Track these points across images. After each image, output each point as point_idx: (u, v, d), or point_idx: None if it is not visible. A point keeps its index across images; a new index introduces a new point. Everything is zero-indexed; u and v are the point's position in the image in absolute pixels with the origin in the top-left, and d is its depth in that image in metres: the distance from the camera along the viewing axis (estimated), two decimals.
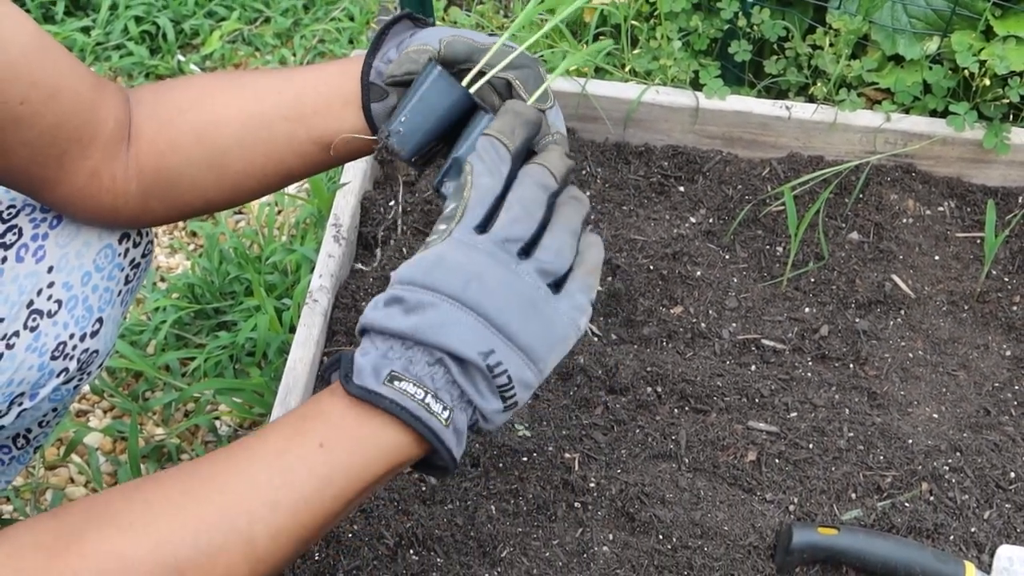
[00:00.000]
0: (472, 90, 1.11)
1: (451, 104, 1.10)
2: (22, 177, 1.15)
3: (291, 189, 2.33)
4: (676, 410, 1.60)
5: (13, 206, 1.25)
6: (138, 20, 2.70)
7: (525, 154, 1.08)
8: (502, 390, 0.99)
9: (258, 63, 2.69)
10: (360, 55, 1.19)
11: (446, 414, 0.97)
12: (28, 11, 2.68)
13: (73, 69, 1.13)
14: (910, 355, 1.71)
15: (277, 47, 2.74)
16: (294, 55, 2.70)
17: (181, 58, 2.66)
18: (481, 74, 1.11)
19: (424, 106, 1.09)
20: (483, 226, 1.01)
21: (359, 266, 1.77)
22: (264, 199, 2.28)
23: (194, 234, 2.27)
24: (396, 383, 0.96)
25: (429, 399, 0.96)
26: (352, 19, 2.80)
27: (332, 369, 1.02)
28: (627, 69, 2.05)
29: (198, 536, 0.92)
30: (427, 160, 1.14)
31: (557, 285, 1.02)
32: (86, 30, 2.69)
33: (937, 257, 1.85)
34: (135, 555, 0.90)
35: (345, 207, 1.74)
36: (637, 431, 1.56)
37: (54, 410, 1.39)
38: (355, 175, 1.79)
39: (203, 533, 0.92)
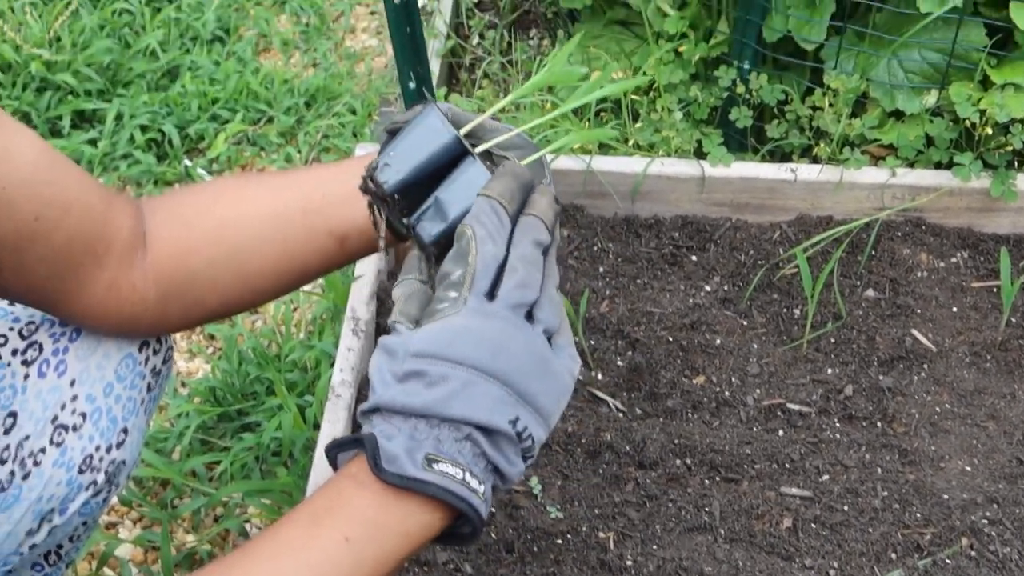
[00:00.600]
0: (476, 151, 1.08)
1: (442, 144, 1.06)
2: (40, 293, 1.16)
3: (306, 286, 2.34)
4: (707, 481, 1.59)
5: (32, 322, 1.26)
6: (143, 129, 2.73)
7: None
8: (525, 452, 0.99)
9: (264, 163, 2.72)
10: (374, 149, 1.20)
11: (483, 488, 0.97)
12: (35, 127, 2.72)
13: (83, 183, 1.15)
14: (937, 409, 1.70)
15: (282, 145, 2.77)
16: (299, 152, 2.73)
17: (188, 163, 2.69)
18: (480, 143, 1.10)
19: (414, 141, 1.06)
20: (491, 292, 0.99)
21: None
22: None
23: (212, 337, 2.27)
24: (435, 466, 0.94)
25: (468, 477, 0.95)
26: (354, 112, 2.84)
27: (339, 450, 1.00)
28: (630, 143, 2.07)
29: None
30: (410, 204, 1.08)
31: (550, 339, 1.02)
32: (93, 142, 2.73)
33: (955, 308, 1.84)
34: None
35: (361, 300, 1.74)
36: (670, 505, 1.55)
37: (84, 524, 1.38)
38: (368, 267, 1.80)
39: None
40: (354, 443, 0.99)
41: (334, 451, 1.01)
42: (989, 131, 1.90)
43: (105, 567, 1.81)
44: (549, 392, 0.99)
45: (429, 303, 1.01)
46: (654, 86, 2.15)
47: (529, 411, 0.98)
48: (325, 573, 0.94)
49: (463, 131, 1.08)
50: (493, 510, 1.53)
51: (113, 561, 1.83)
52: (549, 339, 1.01)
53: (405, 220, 1.07)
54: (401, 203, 1.07)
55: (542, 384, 0.98)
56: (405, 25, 1.45)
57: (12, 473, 1.21)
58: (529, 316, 1.00)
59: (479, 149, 1.08)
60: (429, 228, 1.04)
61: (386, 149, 1.07)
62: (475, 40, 2.76)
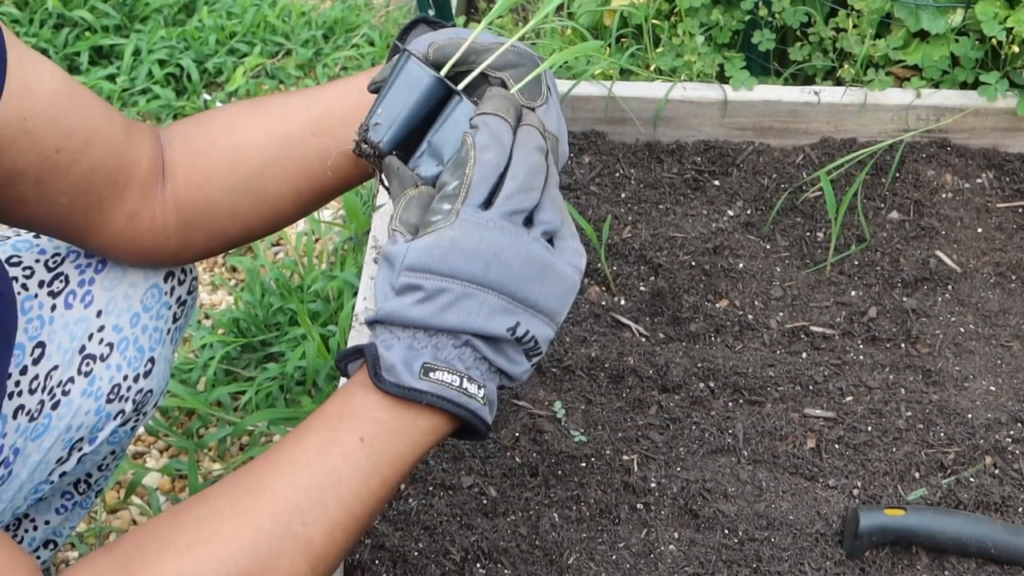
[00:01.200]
0: (461, 86, 1.06)
1: (425, 90, 1.05)
2: (63, 225, 1.17)
3: (327, 216, 2.34)
4: (731, 404, 1.59)
5: (58, 254, 1.27)
6: (162, 63, 2.73)
7: None
8: (529, 352, 1.00)
9: None
10: (377, 66, 1.18)
11: (481, 392, 0.98)
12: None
13: (105, 114, 1.15)
14: (961, 330, 1.69)
15: (301, 78, 2.76)
16: (318, 84, 2.72)
17: (207, 97, 2.69)
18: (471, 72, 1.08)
19: (398, 95, 1.05)
20: (488, 201, 0.98)
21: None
22: (300, 228, 2.30)
23: (234, 269, 2.28)
24: (432, 375, 0.95)
25: (465, 383, 0.96)
26: (372, 44, 2.82)
27: (348, 360, 1.01)
28: (652, 68, 2.05)
29: (257, 545, 0.92)
30: (409, 153, 1.07)
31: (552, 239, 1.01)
32: (111, 77, 2.72)
33: (980, 230, 1.83)
34: (199, 573, 0.91)
35: (383, 228, 1.74)
36: (693, 428, 1.56)
37: (112, 453, 1.40)
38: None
39: (261, 542, 0.92)
40: (360, 352, 0.99)
41: (344, 361, 1.01)
42: (1016, 49, 1.87)
43: (133, 496, 1.83)
44: (551, 294, 0.99)
45: (424, 206, 1.00)
46: (675, 10, 2.12)
47: (530, 314, 0.98)
48: (345, 474, 0.95)
49: (444, 70, 1.06)
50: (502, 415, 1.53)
51: (141, 490, 1.85)
52: (551, 240, 1.01)
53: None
54: (400, 155, 1.06)
55: (543, 286, 0.98)
56: None
57: (41, 403, 1.22)
58: (529, 220, 0.99)
59: (463, 84, 1.06)
60: (426, 171, 1.04)
61: (373, 108, 1.05)
62: None
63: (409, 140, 1.05)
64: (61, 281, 1.26)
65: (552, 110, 1.08)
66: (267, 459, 0.98)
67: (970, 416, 1.54)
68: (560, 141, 1.08)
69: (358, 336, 1.59)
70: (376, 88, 1.08)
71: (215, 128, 1.23)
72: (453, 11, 2.48)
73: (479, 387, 0.97)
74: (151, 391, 1.33)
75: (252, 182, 1.20)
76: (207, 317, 2.17)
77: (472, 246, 0.95)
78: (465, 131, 1.00)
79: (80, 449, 1.28)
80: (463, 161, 0.98)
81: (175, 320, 1.36)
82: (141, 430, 1.93)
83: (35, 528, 1.42)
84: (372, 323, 0.99)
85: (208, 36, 2.79)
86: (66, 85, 1.10)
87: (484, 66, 1.07)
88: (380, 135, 1.04)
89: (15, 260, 1.25)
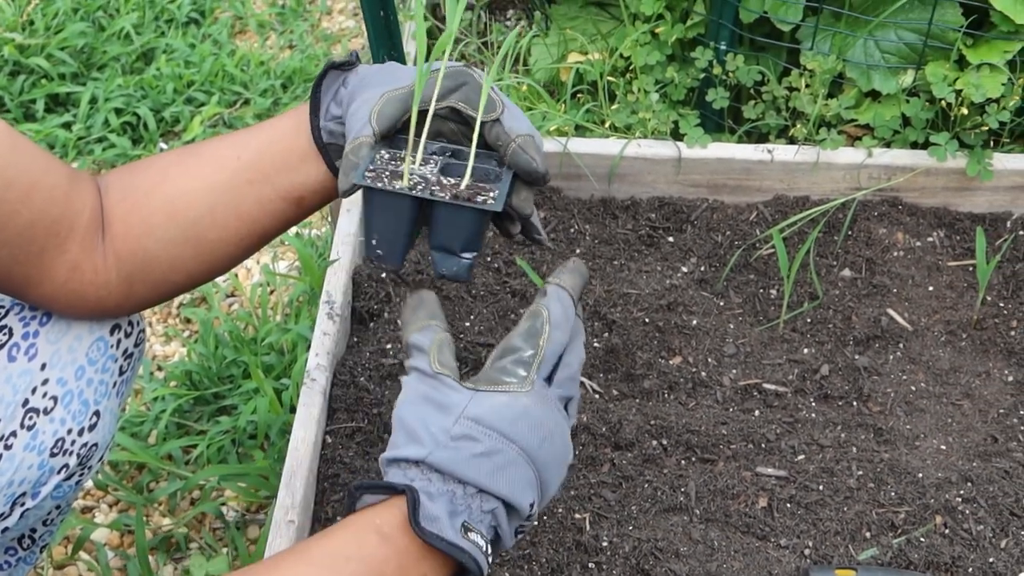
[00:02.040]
0: (422, 136, 1.10)
1: (402, 211, 1.09)
2: (4, 277, 1.15)
3: (282, 268, 2.33)
4: (683, 461, 1.59)
5: (2, 306, 1.25)
6: (118, 112, 2.71)
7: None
8: (520, 528, 1.04)
9: None
10: (303, 107, 1.20)
11: (492, 556, 1.02)
12: (8, 111, 2.70)
13: (47, 165, 1.14)
14: (913, 388, 1.71)
15: None
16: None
17: (164, 146, 2.68)
18: (423, 117, 1.11)
19: (383, 224, 1.10)
20: (549, 377, 1.05)
21: (355, 340, 1.76)
22: (255, 279, 2.28)
23: (188, 320, 2.26)
24: (470, 535, 0.98)
25: (488, 547, 1.00)
26: None
27: (365, 491, 1.02)
28: (607, 125, 2.06)
29: None
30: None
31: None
32: (67, 125, 2.71)
33: (931, 288, 1.85)
34: None
35: (337, 284, 1.73)
36: (646, 486, 1.55)
37: (57, 507, 1.37)
38: (344, 251, 1.79)
39: None
40: (386, 489, 1.00)
41: (360, 491, 1.02)
42: (965, 111, 1.90)
43: (81, 551, 1.80)
44: (558, 480, 1.05)
45: (454, 352, 1.06)
46: (631, 67, 2.14)
47: (545, 492, 1.04)
48: None
49: (405, 173, 1.09)
50: None
51: (89, 545, 1.82)
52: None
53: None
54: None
55: (558, 473, 1.04)
56: (378, 8, 1.44)
57: None
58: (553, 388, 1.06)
59: (420, 147, 1.10)
60: (449, 264, 1.09)
61: (367, 239, 1.10)
62: None
63: (412, 245, 1.12)
64: (5, 334, 1.24)
65: (515, 112, 1.13)
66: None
67: (921, 475, 1.55)
68: (535, 136, 1.12)
69: (309, 392, 1.58)
70: (347, 193, 1.11)
71: (150, 178, 1.22)
72: (404, 45, 2.49)
73: (494, 554, 1.03)
74: (96, 444, 1.31)
75: (191, 231, 1.20)
76: (160, 369, 2.15)
77: (539, 418, 1.00)
78: (540, 300, 1.07)
79: (23, 504, 1.26)
80: (537, 332, 1.05)
81: (121, 373, 1.35)
82: (89, 483, 1.91)
83: None
84: (399, 461, 1.00)
85: (166, 85, 2.78)
86: (7, 137, 1.09)
87: (431, 113, 1.11)
88: (390, 259, 1.10)
89: None
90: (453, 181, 1.10)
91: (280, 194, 1.21)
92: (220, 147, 1.23)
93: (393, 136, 1.14)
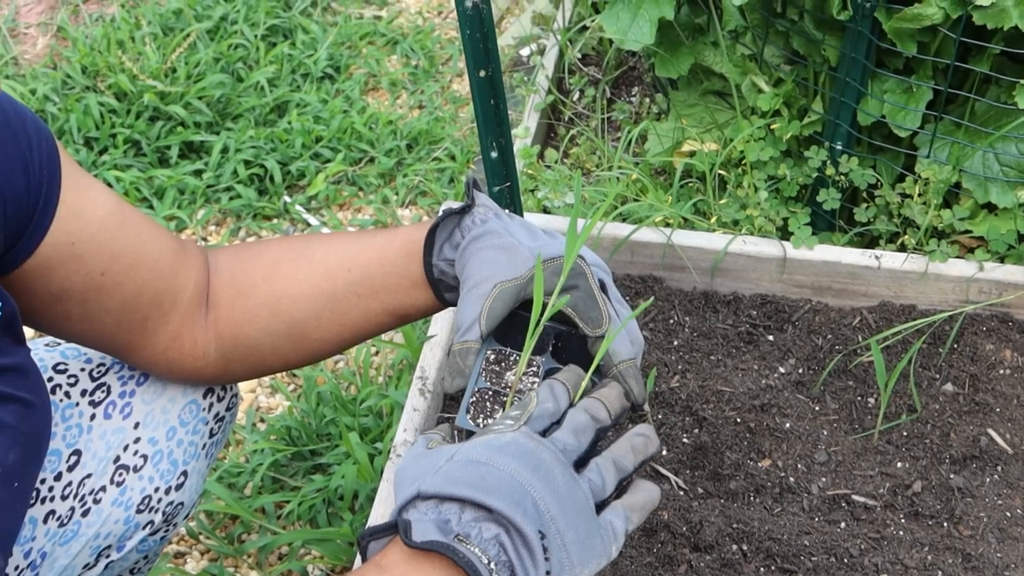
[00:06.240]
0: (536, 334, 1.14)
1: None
2: (107, 342, 1.22)
3: (386, 336, 2.38)
4: (762, 569, 1.58)
5: (103, 364, 1.32)
6: (247, 163, 2.81)
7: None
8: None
9: (361, 203, 2.77)
10: (414, 234, 1.24)
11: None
12: (144, 155, 2.81)
13: (155, 238, 1.20)
14: (1007, 514, 1.67)
15: (380, 187, 2.82)
16: (396, 194, 2.78)
17: (288, 199, 2.76)
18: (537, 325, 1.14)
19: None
20: (542, 434, 1.04)
21: (445, 416, 1.79)
22: None
23: (294, 375, 2.33)
24: (467, 545, 0.96)
25: (495, 566, 0.97)
26: (453, 158, 2.88)
27: (372, 539, 1.01)
28: (713, 220, 2.07)
29: None
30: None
31: (598, 508, 1.04)
32: (198, 173, 2.81)
33: None
34: None
35: (432, 360, 1.77)
36: None
37: (145, 558, 1.43)
38: (442, 327, 1.82)
39: None
40: (387, 530, 1.00)
41: (367, 539, 1.02)
42: None
43: None
44: (579, 539, 0.99)
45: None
46: (743, 160, 2.15)
47: (555, 536, 0.98)
48: None
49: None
50: None
51: None
52: (604, 502, 1.04)
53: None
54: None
55: (575, 524, 0.99)
56: (489, 97, 1.48)
57: (72, 509, 1.27)
58: (576, 471, 1.03)
59: (536, 331, 1.12)
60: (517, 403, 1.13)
61: (463, 409, 1.14)
62: (576, 96, 2.79)
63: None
64: (103, 391, 1.31)
65: (618, 322, 1.17)
66: None
67: None
68: (637, 360, 1.18)
69: (392, 467, 1.60)
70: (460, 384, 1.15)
71: (259, 268, 1.27)
72: (531, 139, 2.53)
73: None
74: (182, 503, 1.37)
75: (294, 330, 1.25)
76: (262, 420, 2.21)
77: (528, 449, 0.99)
78: (532, 390, 1.10)
79: (108, 556, 1.32)
80: (525, 404, 1.06)
81: (211, 435, 1.40)
82: (182, 531, 1.97)
83: None
84: (399, 509, 1.00)
85: (295, 139, 2.87)
86: (116, 211, 1.15)
87: (541, 328, 1.12)
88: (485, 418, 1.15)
89: (61, 367, 1.30)
90: None
91: (387, 310, 1.26)
92: (331, 255, 1.27)
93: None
